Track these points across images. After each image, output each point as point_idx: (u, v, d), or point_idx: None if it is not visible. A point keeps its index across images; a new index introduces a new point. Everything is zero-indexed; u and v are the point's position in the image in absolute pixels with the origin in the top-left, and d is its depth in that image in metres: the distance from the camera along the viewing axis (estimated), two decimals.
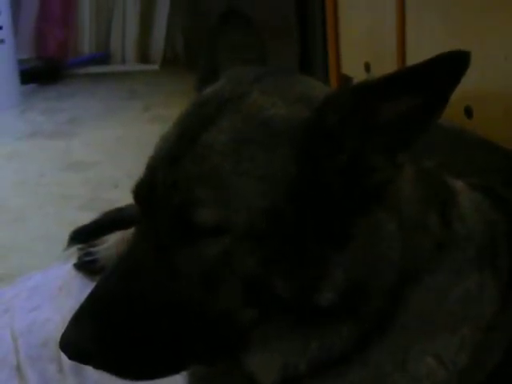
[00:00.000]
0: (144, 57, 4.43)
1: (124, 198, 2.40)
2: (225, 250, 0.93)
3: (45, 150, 3.34)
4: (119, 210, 2.19)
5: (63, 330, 0.94)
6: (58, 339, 1.69)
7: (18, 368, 1.62)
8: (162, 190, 0.95)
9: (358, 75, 2.37)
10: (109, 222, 2.14)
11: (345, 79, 2.47)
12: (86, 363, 0.97)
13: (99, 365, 0.96)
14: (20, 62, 4.06)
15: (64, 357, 1.59)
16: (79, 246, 2.07)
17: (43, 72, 4.24)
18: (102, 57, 4.40)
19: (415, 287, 1.03)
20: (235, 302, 0.95)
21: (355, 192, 0.95)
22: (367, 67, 2.27)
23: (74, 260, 2.03)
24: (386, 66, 2.16)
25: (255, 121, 0.96)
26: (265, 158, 0.93)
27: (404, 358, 1.02)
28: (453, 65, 0.88)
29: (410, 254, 1.01)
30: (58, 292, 1.93)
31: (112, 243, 2.03)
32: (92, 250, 2.01)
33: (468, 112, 1.75)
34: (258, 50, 1.15)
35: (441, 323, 1.04)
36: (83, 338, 0.93)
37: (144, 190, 0.99)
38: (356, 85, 0.97)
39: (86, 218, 2.22)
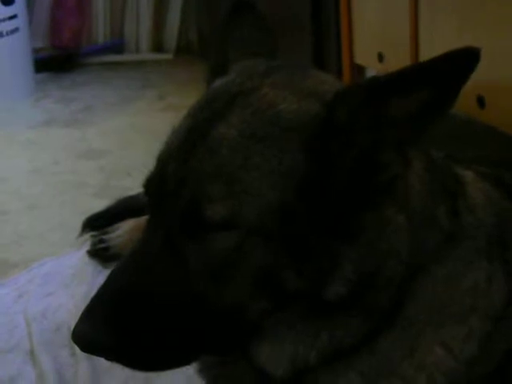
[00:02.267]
0: (158, 46, 4.43)
1: (137, 185, 2.40)
2: (235, 245, 0.93)
3: (59, 139, 3.36)
4: (132, 198, 2.19)
5: (76, 322, 0.95)
6: (71, 325, 1.72)
7: (32, 353, 1.64)
8: (172, 185, 0.96)
9: (371, 65, 2.37)
10: (122, 210, 2.15)
11: (358, 69, 2.47)
12: (99, 355, 0.98)
13: (111, 356, 0.98)
14: (34, 50, 4.07)
15: None
16: (92, 233, 2.08)
17: (57, 61, 4.25)
18: (116, 46, 4.40)
19: (424, 279, 1.03)
20: (245, 295, 0.96)
21: (365, 187, 0.95)
22: (380, 57, 2.27)
23: (87, 247, 2.05)
24: (400, 56, 2.16)
25: (265, 116, 0.96)
26: (275, 153, 0.93)
27: (412, 348, 1.03)
28: (463, 61, 0.88)
29: (418, 246, 1.02)
30: (71, 279, 1.94)
31: (125, 230, 2.04)
32: (105, 237, 2.02)
33: (480, 102, 1.75)
34: (268, 42, 1.15)
35: (449, 314, 1.05)
36: (95, 330, 0.94)
37: (154, 183, 1.00)
38: (366, 80, 0.97)
39: (99, 205, 2.23)
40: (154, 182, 1.00)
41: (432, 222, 1.04)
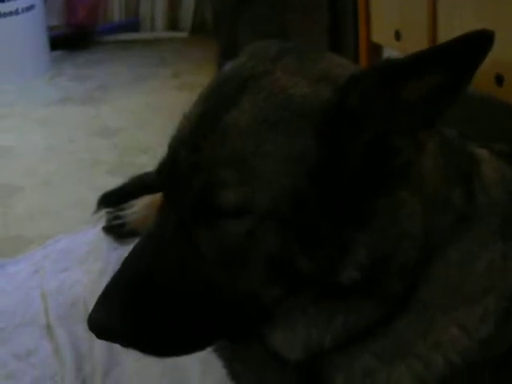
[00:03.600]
0: (173, 24, 4.42)
1: (152, 163, 2.41)
2: (248, 231, 0.92)
3: (74, 116, 3.36)
4: (147, 175, 2.19)
5: (91, 308, 0.95)
6: (87, 300, 1.74)
7: (48, 327, 1.65)
8: (185, 171, 0.95)
9: (388, 43, 2.35)
10: (137, 186, 2.15)
11: (375, 48, 2.45)
12: (115, 341, 0.98)
13: (127, 343, 0.98)
14: (50, 28, 4.07)
15: None
16: (108, 209, 2.09)
17: (73, 39, 4.24)
18: (132, 24, 4.40)
19: (438, 261, 1.02)
20: (258, 281, 0.96)
21: (377, 172, 0.94)
22: (397, 35, 2.25)
23: (102, 224, 2.05)
24: (417, 34, 2.14)
25: (277, 101, 0.94)
26: (287, 139, 0.93)
27: (428, 329, 1.03)
28: (477, 45, 0.87)
29: (432, 229, 1.01)
30: (86, 255, 1.95)
31: (140, 207, 2.05)
32: (121, 213, 2.03)
33: (499, 80, 1.73)
34: (279, 23, 1.14)
35: (465, 295, 1.04)
36: (111, 317, 0.94)
37: (166, 169, 0.99)
38: (379, 64, 0.95)
39: (114, 182, 2.23)
40: (167, 168, 0.99)
41: (446, 203, 1.03)
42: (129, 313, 0.94)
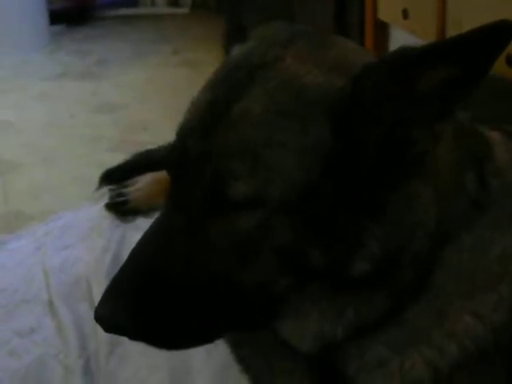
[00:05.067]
0: (174, 0, 4.39)
1: (153, 140, 2.41)
2: (260, 223, 0.90)
3: (74, 92, 3.34)
4: (150, 152, 2.18)
5: (98, 303, 0.93)
6: (89, 278, 1.72)
7: (51, 304, 1.64)
8: (194, 161, 0.92)
9: (395, 22, 2.32)
10: (140, 164, 2.13)
11: (381, 26, 2.42)
12: (122, 335, 0.96)
13: (135, 336, 0.95)
14: (49, 2, 4.04)
15: (96, 295, 1.63)
16: (110, 186, 2.07)
17: (73, 13, 4.22)
18: None
19: (451, 248, 1.01)
20: (269, 273, 0.94)
21: (392, 162, 0.92)
22: (405, 14, 2.22)
23: (104, 201, 2.04)
24: (425, 13, 2.11)
25: (289, 90, 0.91)
26: (300, 130, 0.90)
27: (441, 318, 1.01)
28: (496, 36, 0.83)
29: (446, 216, 0.99)
30: (89, 232, 1.93)
31: (143, 184, 2.03)
32: (123, 190, 2.01)
33: (509, 60, 1.71)
34: (285, 5, 1.11)
35: (479, 282, 1.02)
36: (118, 310, 0.91)
37: (175, 158, 0.96)
38: (394, 54, 0.91)
39: (115, 159, 2.22)
40: (175, 157, 0.96)
41: (459, 190, 1.01)
42: (137, 306, 0.92)
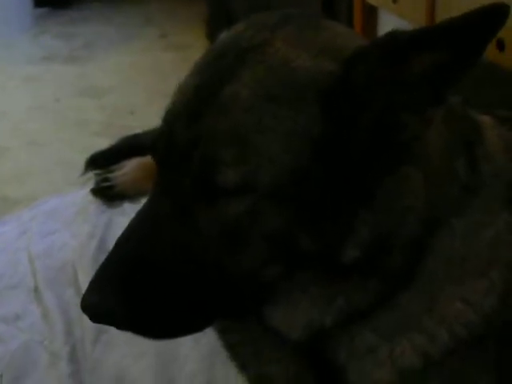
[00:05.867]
0: None
1: (140, 124, 2.39)
2: (249, 210, 0.89)
3: (59, 75, 3.31)
4: (136, 136, 2.16)
5: (84, 292, 0.91)
6: (75, 263, 1.70)
7: (36, 290, 1.62)
8: (182, 147, 0.91)
9: (384, 5, 2.30)
10: (126, 148, 2.11)
11: (370, 10, 2.40)
12: (110, 324, 0.94)
13: (123, 326, 0.94)
14: None
15: (82, 280, 1.61)
16: (96, 171, 2.05)
17: None
18: None
19: (442, 234, 1.00)
20: (260, 259, 0.93)
21: (382, 148, 0.91)
22: None
23: (90, 186, 2.01)
24: None
25: (279, 74, 0.90)
26: (289, 115, 0.89)
27: (432, 303, 1.01)
28: (488, 21, 0.82)
29: (436, 201, 0.98)
30: (74, 217, 1.91)
31: (129, 169, 2.01)
32: (110, 175, 1.99)
33: (500, 44, 1.70)
34: None
35: (469, 267, 1.02)
36: (105, 300, 0.90)
37: (162, 144, 0.95)
38: (384, 38, 0.89)
39: (101, 143, 2.20)
40: (162, 143, 0.95)
41: (450, 174, 1.00)
42: (124, 295, 0.90)
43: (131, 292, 0.91)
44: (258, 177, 0.88)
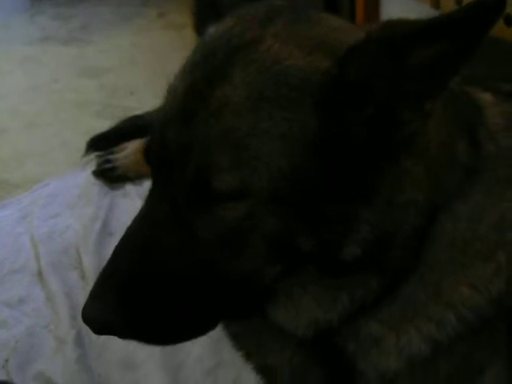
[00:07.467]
0: None
1: (139, 105, 2.36)
2: (246, 214, 0.87)
3: (57, 56, 3.27)
4: (137, 118, 2.14)
5: (85, 302, 0.89)
6: (79, 246, 1.69)
7: (40, 274, 1.60)
8: (175, 152, 0.88)
9: None
10: (127, 130, 2.09)
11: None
12: (112, 334, 0.92)
13: (125, 335, 0.92)
14: None
15: (86, 263, 1.60)
16: (98, 153, 2.03)
17: None
18: None
19: (444, 219, 0.98)
20: (259, 262, 0.91)
21: (381, 145, 0.89)
22: None
23: (91, 167, 2.00)
24: None
25: (271, 74, 0.86)
26: (283, 116, 0.85)
27: (438, 290, 0.99)
28: (485, 13, 0.79)
29: (438, 190, 0.96)
30: (76, 199, 1.90)
31: (130, 151, 2.00)
32: (111, 157, 1.98)
33: (508, 20, 1.68)
34: None
35: (475, 252, 1.00)
36: (106, 310, 0.88)
37: (155, 150, 0.91)
38: (380, 32, 0.85)
39: (101, 125, 2.18)
40: (155, 148, 0.91)
41: (451, 161, 0.98)
42: (125, 305, 0.89)
43: (132, 301, 0.89)
44: (254, 181, 0.85)
